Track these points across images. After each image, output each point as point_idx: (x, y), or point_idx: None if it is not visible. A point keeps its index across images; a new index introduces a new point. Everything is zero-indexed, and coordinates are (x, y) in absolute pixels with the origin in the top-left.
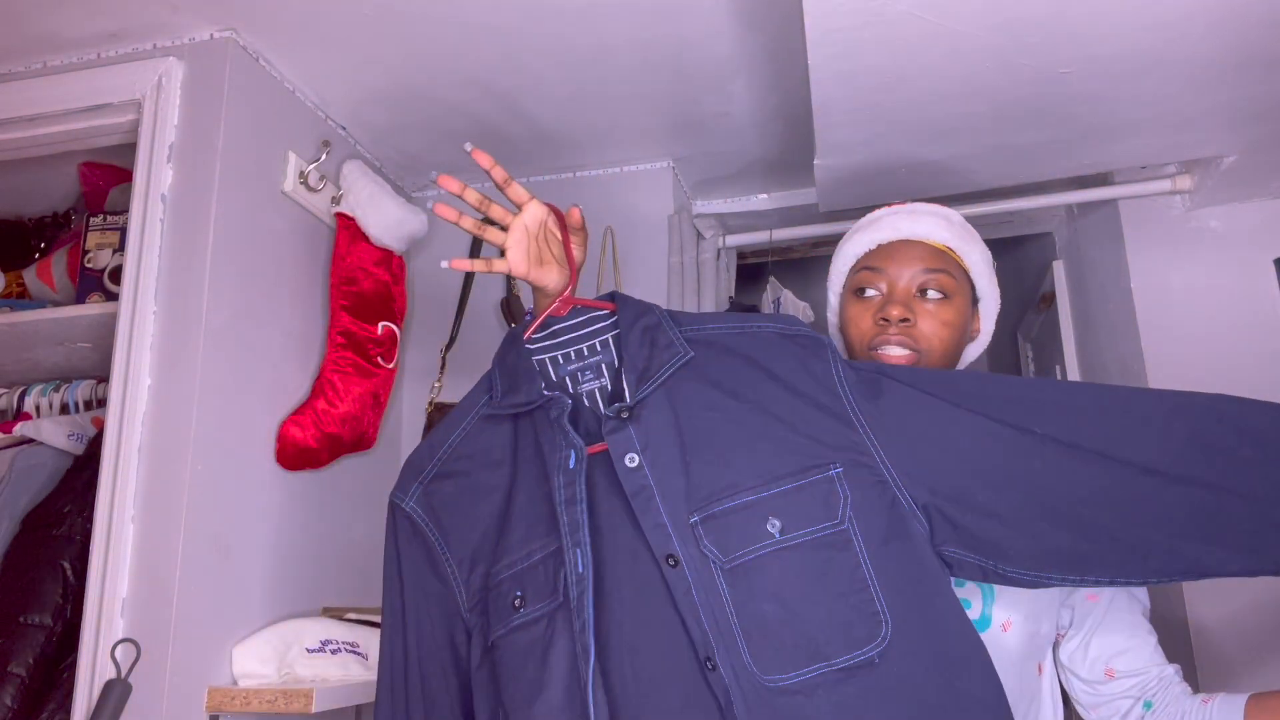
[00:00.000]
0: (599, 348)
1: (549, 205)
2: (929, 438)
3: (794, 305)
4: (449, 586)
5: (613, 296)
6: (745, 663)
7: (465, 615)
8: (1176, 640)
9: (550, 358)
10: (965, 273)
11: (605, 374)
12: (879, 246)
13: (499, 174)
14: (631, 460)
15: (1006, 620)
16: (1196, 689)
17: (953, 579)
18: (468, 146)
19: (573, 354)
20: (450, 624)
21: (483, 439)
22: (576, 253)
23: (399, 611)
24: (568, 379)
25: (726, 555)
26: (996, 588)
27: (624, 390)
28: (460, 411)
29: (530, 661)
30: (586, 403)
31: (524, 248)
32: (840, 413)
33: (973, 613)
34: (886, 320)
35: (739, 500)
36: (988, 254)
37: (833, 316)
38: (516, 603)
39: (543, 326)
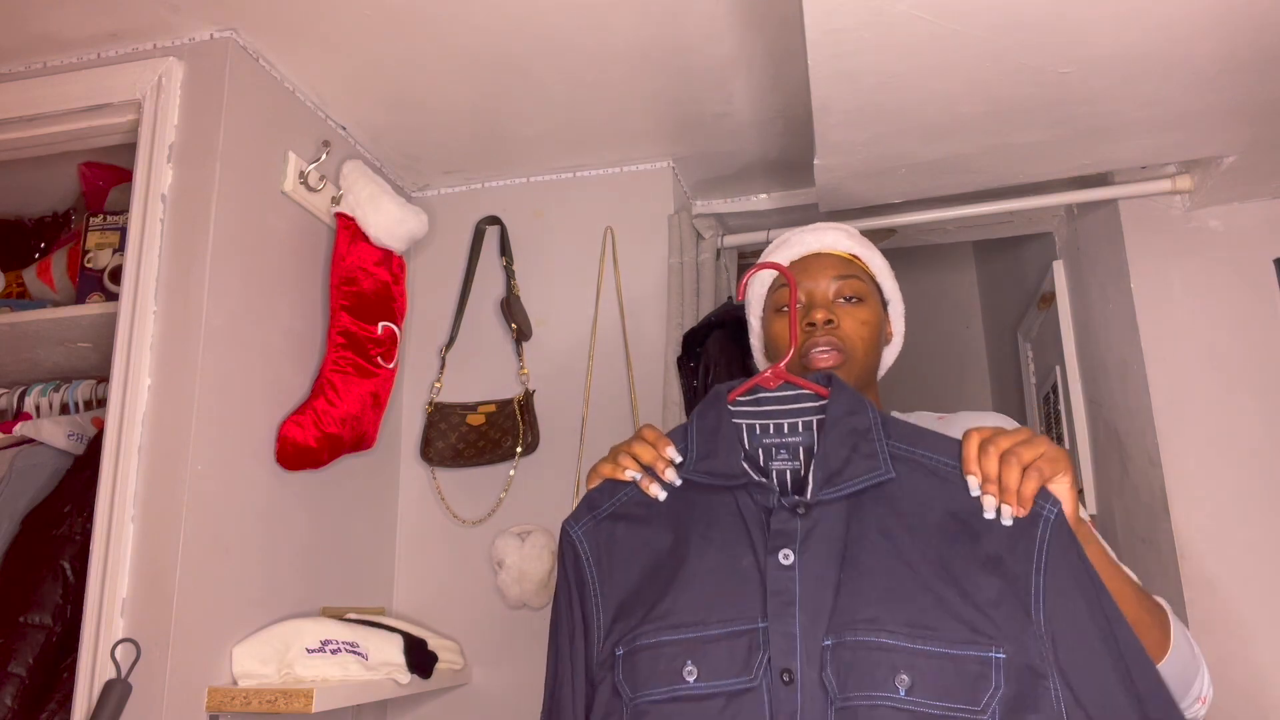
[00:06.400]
0: (800, 428)
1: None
2: (1083, 663)
3: None
4: (589, 625)
5: (829, 380)
6: None
7: (594, 658)
8: None
9: (748, 425)
10: (872, 278)
11: (800, 458)
12: (792, 263)
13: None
14: (785, 558)
15: None
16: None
17: None
18: None
19: (772, 427)
20: (585, 661)
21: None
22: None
23: (565, 635)
24: (760, 451)
25: (842, 692)
26: None
27: (807, 483)
28: None
29: None
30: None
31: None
32: (1025, 597)
33: None
34: (812, 325)
35: (874, 639)
36: (886, 262)
37: (755, 341)
38: (688, 674)
39: (749, 392)
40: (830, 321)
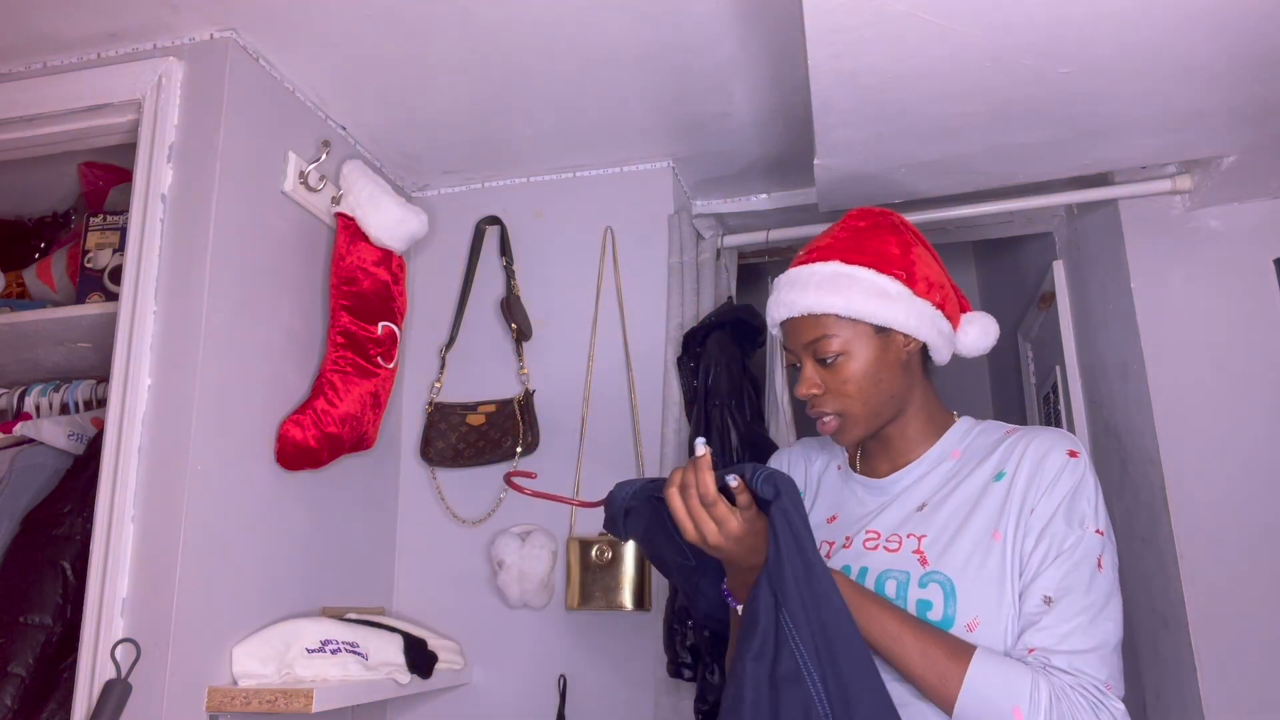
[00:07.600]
0: None
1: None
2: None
3: None
4: None
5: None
6: None
7: None
8: (1178, 641)
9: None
10: (851, 319)
11: None
12: (780, 326)
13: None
14: None
15: (972, 620)
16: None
17: (920, 578)
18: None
19: None
20: None
21: None
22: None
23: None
24: None
25: None
26: (958, 588)
27: None
28: None
29: None
30: None
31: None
32: None
33: (934, 613)
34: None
35: None
36: (869, 282)
37: None
38: None
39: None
40: (814, 394)
